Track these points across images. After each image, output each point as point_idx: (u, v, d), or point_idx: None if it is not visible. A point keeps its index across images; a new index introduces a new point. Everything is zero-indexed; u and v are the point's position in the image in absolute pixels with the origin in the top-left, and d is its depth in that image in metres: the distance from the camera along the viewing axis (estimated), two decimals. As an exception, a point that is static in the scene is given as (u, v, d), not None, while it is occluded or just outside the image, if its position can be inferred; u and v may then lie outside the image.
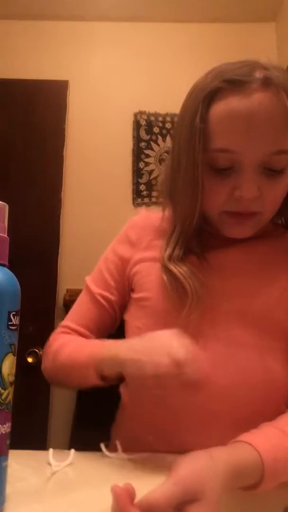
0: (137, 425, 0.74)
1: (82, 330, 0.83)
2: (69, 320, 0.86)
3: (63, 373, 0.77)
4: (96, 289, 0.85)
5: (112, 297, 0.84)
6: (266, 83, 0.65)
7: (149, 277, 0.77)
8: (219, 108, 0.67)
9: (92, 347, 0.73)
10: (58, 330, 0.86)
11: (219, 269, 0.75)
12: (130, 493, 0.43)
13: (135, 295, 0.80)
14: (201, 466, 0.46)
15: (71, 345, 0.78)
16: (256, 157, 0.66)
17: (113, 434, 0.81)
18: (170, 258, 0.74)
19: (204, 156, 0.68)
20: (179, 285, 0.71)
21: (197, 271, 0.72)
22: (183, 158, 0.71)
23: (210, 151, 0.67)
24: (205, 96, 0.68)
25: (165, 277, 0.73)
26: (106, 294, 0.84)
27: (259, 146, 0.65)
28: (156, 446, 0.68)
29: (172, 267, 0.73)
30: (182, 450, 0.50)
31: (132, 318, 0.80)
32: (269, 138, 0.65)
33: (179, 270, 0.72)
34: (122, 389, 0.80)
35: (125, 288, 0.83)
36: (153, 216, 0.86)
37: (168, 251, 0.75)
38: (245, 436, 0.54)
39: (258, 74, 0.65)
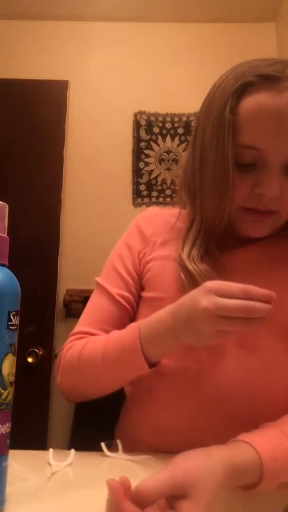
0: (143, 425, 0.74)
1: (99, 333, 0.77)
2: (83, 325, 0.79)
3: (93, 374, 0.71)
4: (113, 289, 0.79)
5: (131, 297, 0.80)
6: None
7: (163, 277, 0.75)
8: (250, 103, 0.66)
9: (129, 334, 0.67)
10: (70, 339, 0.80)
11: (234, 270, 0.73)
12: (125, 487, 0.43)
13: (146, 294, 0.78)
14: (195, 463, 0.46)
15: (100, 340, 0.72)
16: (281, 157, 0.66)
17: (116, 435, 0.80)
18: (189, 256, 0.72)
19: (234, 148, 0.67)
20: (197, 284, 0.69)
21: (213, 272, 0.71)
22: (210, 153, 0.69)
23: (236, 146, 0.67)
24: (236, 89, 0.67)
25: (183, 276, 0.71)
26: (125, 293, 0.79)
27: (284, 147, 0.65)
28: (161, 447, 0.68)
29: (191, 266, 0.71)
30: (188, 448, 0.50)
31: (141, 318, 0.76)
32: None
33: (196, 269, 0.70)
34: (128, 387, 0.79)
35: (140, 285, 0.80)
36: (165, 213, 0.84)
37: (186, 249, 0.73)
38: (244, 436, 0.54)
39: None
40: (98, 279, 0.83)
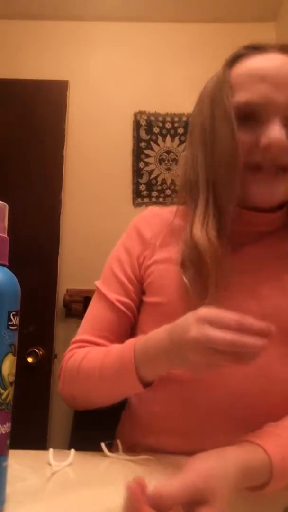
0: (143, 428, 0.73)
1: (100, 342, 0.75)
2: (84, 333, 0.78)
3: (91, 387, 0.71)
4: (112, 295, 0.78)
5: (131, 303, 0.78)
6: (283, 47, 0.72)
7: (165, 281, 0.73)
8: (242, 66, 0.71)
9: (125, 352, 0.66)
10: (71, 347, 0.77)
11: (241, 267, 0.71)
12: (142, 488, 0.42)
13: (148, 299, 0.76)
14: (212, 465, 0.46)
15: (99, 353, 0.71)
16: (279, 107, 0.66)
17: (117, 436, 0.80)
18: (202, 230, 0.69)
19: (232, 104, 0.69)
20: (201, 271, 0.68)
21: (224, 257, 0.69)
22: (211, 119, 0.71)
23: (234, 107, 0.68)
24: (228, 60, 0.73)
25: (185, 279, 0.69)
26: (125, 299, 0.77)
27: (282, 96, 0.66)
28: (161, 450, 0.67)
29: (202, 241, 0.68)
30: (190, 452, 0.50)
31: (143, 323, 0.77)
32: None
33: (206, 246, 0.68)
34: None
35: (141, 290, 0.79)
36: (164, 212, 0.82)
37: (198, 225, 0.70)
38: (253, 436, 0.53)
39: (276, 44, 0.72)
40: (97, 283, 0.82)
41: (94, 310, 0.80)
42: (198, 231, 0.69)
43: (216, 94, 0.71)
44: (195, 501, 0.42)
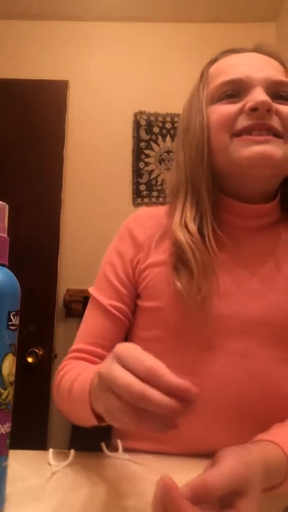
0: (140, 432, 0.72)
1: (96, 350, 0.74)
2: (80, 342, 0.76)
3: (65, 408, 0.68)
4: (106, 300, 0.76)
5: (126, 308, 0.76)
6: (258, 47, 0.76)
7: (161, 284, 0.71)
8: (219, 62, 0.76)
9: (87, 381, 0.57)
10: (67, 357, 0.76)
11: (241, 260, 0.71)
12: (176, 486, 0.38)
13: (144, 304, 0.74)
14: (246, 460, 0.44)
15: (73, 374, 0.67)
16: (262, 81, 0.68)
17: (114, 434, 0.80)
18: (180, 223, 0.70)
19: (209, 94, 0.72)
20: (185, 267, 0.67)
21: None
22: (191, 115, 0.75)
23: (213, 89, 0.72)
24: (206, 64, 0.79)
25: (177, 283, 0.67)
26: (119, 304, 0.76)
27: (263, 75, 0.68)
28: (159, 448, 0.67)
29: (180, 234, 0.68)
30: (186, 452, 0.50)
31: (138, 328, 0.76)
32: (270, 71, 0.69)
33: (185, 236, 0.68)
34: None
35: (135, 294, 0.77)
36: (156, 212, 0.81)
37: (177, 218, 0.71)
38: (269, 436, 0.52)
39: (252, 46, 0.77)
40: (91, 290, 0.80)
41: (89, 317, 0.78)
42: (178, 227, 0.69)
43: (192, 95, 0.77)
44: (232, 492, 0.40)
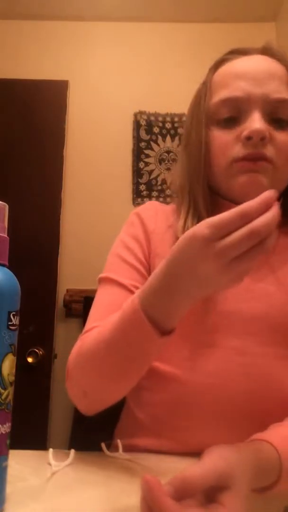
0: (143, 428, 0.73)
1: None
2: (96, 320, 0.69)
3: (99, 366, 0.62)
4: (127, 281, 0.71)
5: None
6: (266, 49, 0.75)
7: None
8: (224, 68, 0.75)
9: (125, 307, 0.57)
10: (80, 338, 0.69)
11: None
12: (159, 482, 0.39)
13: None
14: (232, 456, 0.44)
15: (97, 331, 0.63)
16: (259, 103, 0.68)
17: (116, 435, 0.80)
18: (184, 229, 0.71)
19: (208, 110, 0.72)
20: None
21: None
22: (193, 124, 0.75)
23: (213, 105, 0.72)
24: (211, 67, 0.77)
25: None
26: (140, 286, 0.70)
27: (261, 91, 0.68)
28: (161, 449, 0.67)
29: None
30: (189, 451, 0.50)
31: None
32: (271, 86, 0.69)
33: None
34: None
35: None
36: (164, 208, 0.83)
37: (181, 224, 0.72)
38: (264, 435, 0.52)
39: (259, 47, 0.76)
40: (103, 274, 0.75)
41: (105, 297, 0.72)
42: (180, 228, 0.71)
43: (195, 101, 0.76)
44: (217, 487, 0.40)
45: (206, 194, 0.73)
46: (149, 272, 0.74)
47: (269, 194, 0.44)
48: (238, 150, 0.69)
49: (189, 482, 0.39)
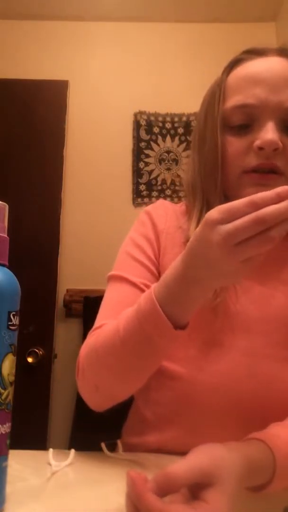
0: (150, 427, 0.73)
1: None
2: (106, 318, 0.69)
3: (114, 360, 0.62)
4: (137, 279, 0.71)
5: None
6: (282, 51, 0.72)
7: None
8: (239, 70, 0.73)
9: (142, 300, 0.57)
10: (90, 335, 0.69)
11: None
12: (144, 478, 0.40)
13: None
14: (219, 454, 0.44)
15: (113, 324, 0.63)
16: (274, 111, 0.67)
17: (124, 434, 0.80)
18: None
19: (223, 115, 0.70)
20: None
21: None
22: (204, 129, 0.73)
23: (227, 110, 0.70)
24: (226, 67, 0.75)
25: None
26: (150, 284, 0.70)
27: (276, 99, 0.67)
28: (167, 448, 0.67)
29: None
30: (189, 448, 0.50)
31: None
32: (287, 92, 0.67)
33: None
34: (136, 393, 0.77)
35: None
36: (175, 207, 0.82)
37: (193, 227, 0.70)
38: (259, 434, 0.53)
39: (275, 47, 0.73)
40: (113, 272, 0.75)
41: (115, 295, 0.72)
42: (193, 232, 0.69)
43: (209, 101, 0.74)
44: (202, 485, 0.41)
45: (222, 200, 0.71)
46: (158, 270, 0.74)
47: (285, 188, 0.44)
48: (249, 160, 0.68)
49: (172, 478, 0.39)
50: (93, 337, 0.67)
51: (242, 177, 0.69)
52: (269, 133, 0.66)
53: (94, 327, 0.70)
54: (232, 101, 0.70)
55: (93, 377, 0.67)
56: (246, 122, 0.69)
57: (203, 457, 0.43)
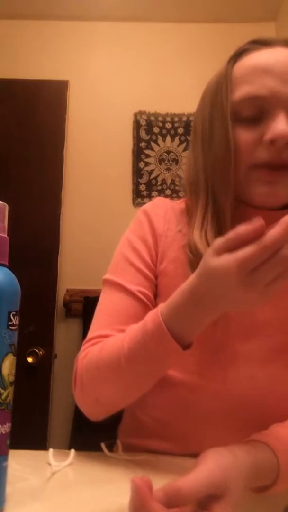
0: (145, 430, 0.73)
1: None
2: (100, 328, 0.68)
3: (117, 376, 0.62)
4: (132, 286, 0.70)
5: (151, 295, 0.71)
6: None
7: (175, 281, 0.67)
8: (246, 61, 0.69)
9: (149, 318, 0.57)
10: (85, 346, 0.68)
11: None
12: (149, 486, 0.39)
13: (160, 301, 0.69)
14: (227, 463, 0.44)
15: (117, 339, 0.62)
16: (286, 101, 0.64)
17: (119, 435, 0.79)
18: (201, 238, 0.66)
19: (231, 109, 0.66)
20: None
21: None
22: (210, 121, 0.69)
23: (236, 102, 0.66)
24: (231, 57, 0.70)
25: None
26: (146, 291, 0.70)
27: (287, 89, 0.64)
28: (163, 449, 0.67)
29: (203, 249, 0.64)
30: (191, 453, 0.50)
31: None
32: None
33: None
34: None
35: (156, 283, 0.72)
36: (172, 204, 0.79)
37: (197, 233, 0.67)
38: (260, 436, 0.53)
39: (281, 39, 0.70)
40: (108, 276, 0.73)
41: (109, 302, 0.71)
42: (197, 237, 0.67)
43: (216, 92, 0.69)
44: (210, 495, 0.41)
45: (233, 200, 0.68)
46: (155, 275, 0.73)
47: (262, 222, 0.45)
48: (259, 154, 0.65)
49: (183, 492, 0.39)
50: (92, 351, 0.66)
51: (250, 173, 0.66)
52: (281, 124, 0.62)
53: (89, 337, 0.69)
54: (241, 92, 0.66)
55: (94, 391, 0.66)
56: (256, 114, 0.65)
57: (214, 468, 0.42)
